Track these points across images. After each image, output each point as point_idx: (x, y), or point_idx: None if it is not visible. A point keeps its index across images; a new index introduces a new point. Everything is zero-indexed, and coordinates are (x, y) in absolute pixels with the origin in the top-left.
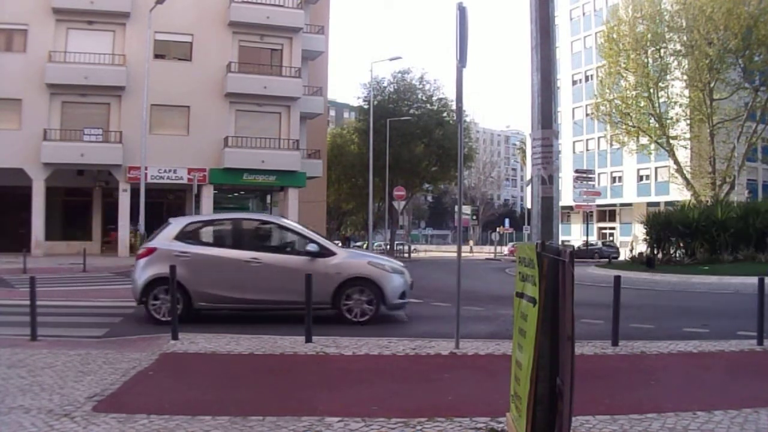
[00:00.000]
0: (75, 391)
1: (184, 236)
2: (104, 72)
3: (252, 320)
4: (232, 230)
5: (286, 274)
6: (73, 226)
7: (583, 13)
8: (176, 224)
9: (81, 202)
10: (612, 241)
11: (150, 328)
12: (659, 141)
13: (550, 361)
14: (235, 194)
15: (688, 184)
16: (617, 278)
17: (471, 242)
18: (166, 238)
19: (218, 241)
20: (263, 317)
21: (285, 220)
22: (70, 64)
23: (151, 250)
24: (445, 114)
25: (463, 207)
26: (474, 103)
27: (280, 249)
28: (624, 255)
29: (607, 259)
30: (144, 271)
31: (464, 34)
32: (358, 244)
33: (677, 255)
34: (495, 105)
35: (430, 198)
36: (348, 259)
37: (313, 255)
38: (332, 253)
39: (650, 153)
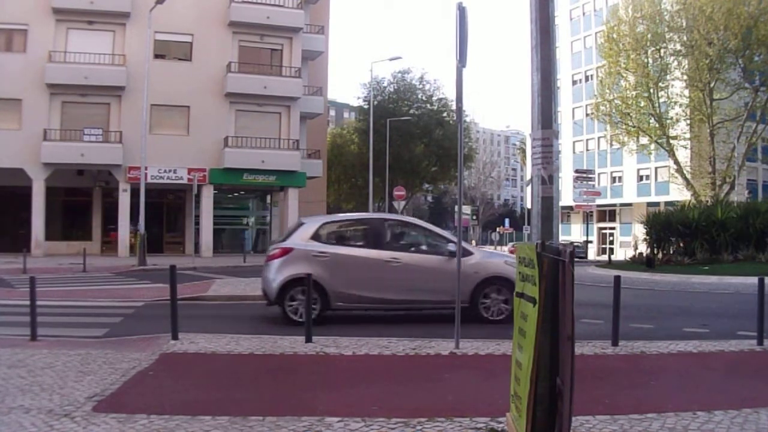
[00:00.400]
0: (75, 391)
1: (319, 236)
2: (104, 72)
3: (252, 320)
4: (368, 230)
5: (426, 274)
6: (73, 226)
7: (583, 13)
8: (311, 224)
9: (81, 202)
10: (580, 242)
11: (150, 328)
12: (659, 141)
13: (550, 361)
14: (235, 194)
15: (688, 184)
16: (617, 278)
17: (473, 242)
18: (301, 238)
19: (355, 241)
20: (263, 317)
21: (420, 221)
22: (70, 64)
23: (286, 251)
24: (445, 114)
25: (463, 207)
26: (474, 103)
27: (418, 249)
28: (624, 255)
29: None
30: (280, 272)
31: (464, 34)
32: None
33: (677, 255)
34: (495, 105)
35: (430, 198)
36: (485, 258)
37: (452, 255)
38: (470, 253)
39: (650, 153)
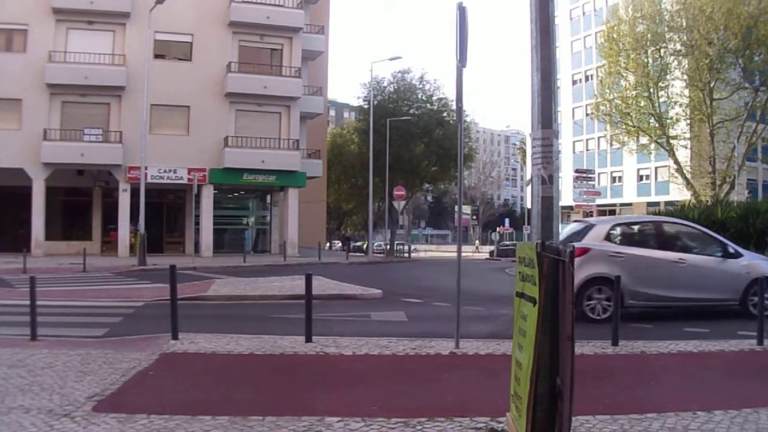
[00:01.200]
0: (75, 391)
1: (610, 237)
2: (104, 72)
3: (252, 320)
4: (654, 232)
5: (706, 274)
6: (73, 226)
7: (583, 13)
8: (602, 225)
9: (81, 202)
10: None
11: (150, 328)
12: (659, 141)
13: (550, 361)
14: (235, 194)
15: (688, 184)
16: (617, 278)
17: (477, 242)
18: (595, 239)
19: (645, 243)
20: (264, 317)
21: (695, 224)
22: (70, 64)
23: (584, 250)
24: (445, 114)
25: (463, 207)
26: (474, 103)
27: (697, 250)
28: None
29: None
30: (578, 271)
31: (464, 34)
32: (358, 244)
33: None
34: (495, 105)
35: (430, 198)
36: (754, 260)
37: (727, 256)
38: (740, 255)
39: (650, 153)
